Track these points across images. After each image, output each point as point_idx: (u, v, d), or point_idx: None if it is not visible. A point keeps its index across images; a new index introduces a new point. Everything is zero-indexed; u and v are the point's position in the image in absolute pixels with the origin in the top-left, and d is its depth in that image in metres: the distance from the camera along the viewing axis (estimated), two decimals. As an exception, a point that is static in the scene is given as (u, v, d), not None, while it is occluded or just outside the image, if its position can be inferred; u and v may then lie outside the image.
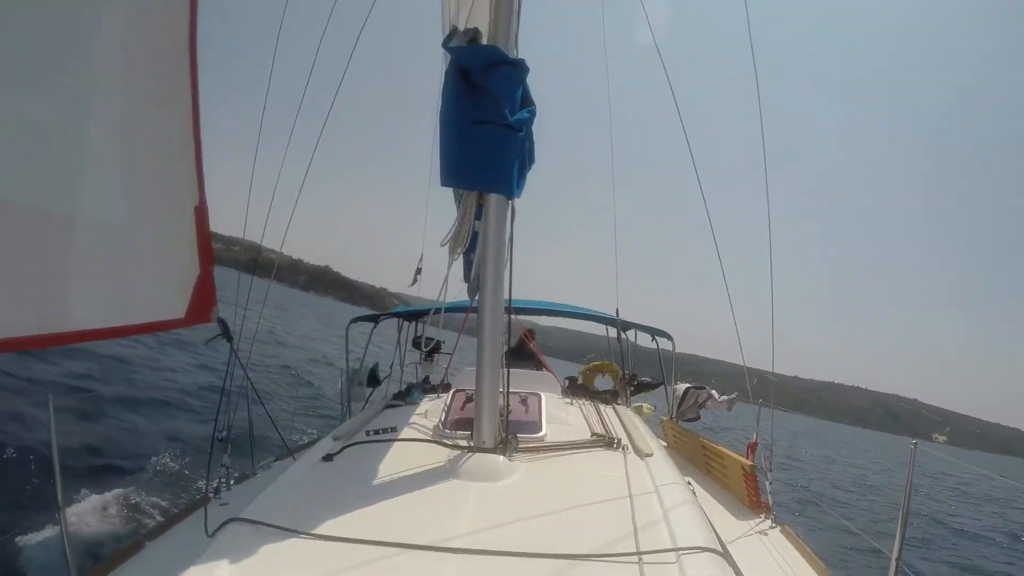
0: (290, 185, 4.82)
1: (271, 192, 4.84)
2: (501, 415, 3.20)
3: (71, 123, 2.12)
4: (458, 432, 3.44)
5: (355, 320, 8.09)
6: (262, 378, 15.08)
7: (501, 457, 2.97)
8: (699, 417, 6.54)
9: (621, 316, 7.69)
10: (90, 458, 7.83)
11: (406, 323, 8.35)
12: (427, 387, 5.33)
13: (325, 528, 2.23)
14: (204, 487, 3.36)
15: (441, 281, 3.66)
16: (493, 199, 3.09)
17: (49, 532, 4.88)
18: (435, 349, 7.10)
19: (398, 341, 8.24)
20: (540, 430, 3.56)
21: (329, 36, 5.00)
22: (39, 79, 1.96)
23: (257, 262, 5.07)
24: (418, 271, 7.32)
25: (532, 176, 3.35)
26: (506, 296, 3.20)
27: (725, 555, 2.21)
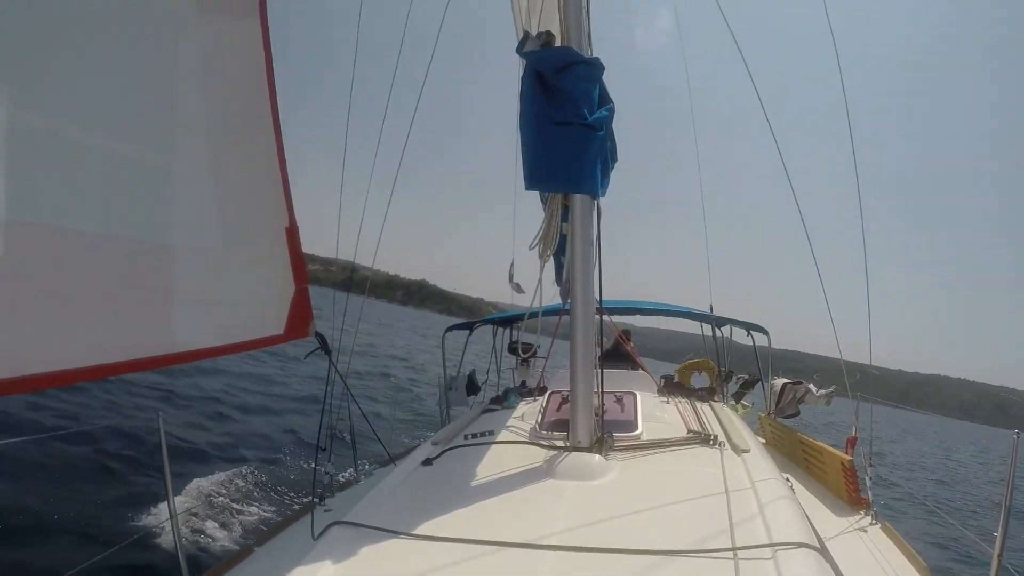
0: (381, 204, 4.95)
1: (364, 213, 4.98)
2: (596, 414, 3.18)
3: (163, 160, 2.25)
4: (554, 433, 3.45)
5: (451, 328, 8.23)
6: (366, 387, 15.66)
7: (597, 456, 2.96)
8: (799, 412, 6.35)
9: (715, 312, 7.56)
10: (212, 456, 8.40)
11: (500, 329, 8.42)
12: (524, 391, 5.34)
13: (425, 529, 2.26)
14: (311, 493, 3.48)
15: (532, 286, 3.67)
16: (578, 199, 3.07)
17: (162, 541, 5.14)
18: (531, 353, 7.12)
19: (493, 347, 8.33)
20: (636, 428, 3.52)
21: (408, 53, 5.10)
22: (131, 121, 2.09)
23: (352, 280, 5.21)
24: (511, 278, 7.36)
25: (617, 175, 3.32)
26: (596, 296, 3.18)
27: (823, 551, 2.12)
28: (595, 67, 2.91)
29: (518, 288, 7.12)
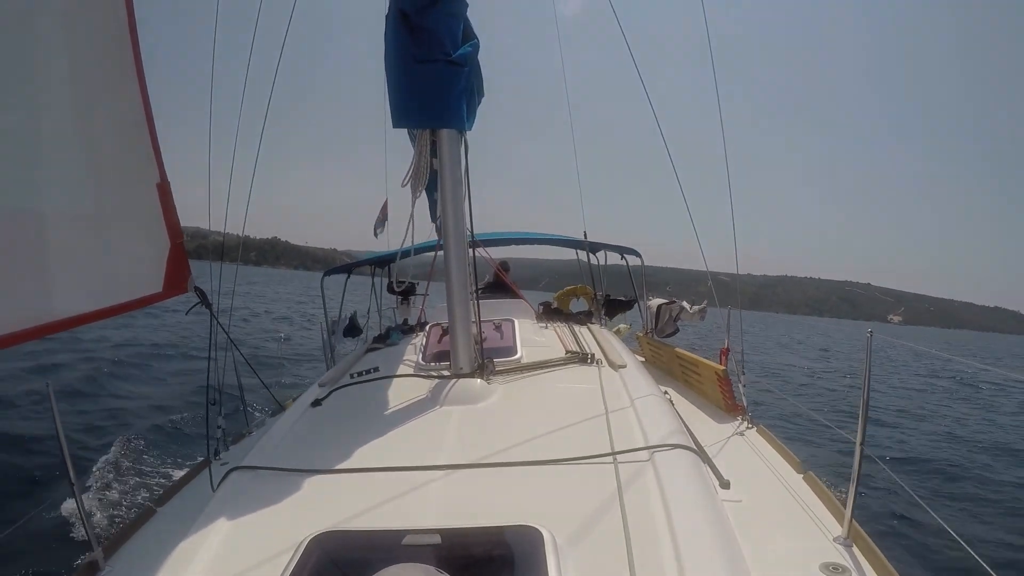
0: (237, 168, 4.75)
1: (211, 176, 4.74)
2: (476, 342, 3.36)
3: (25, 121, 2.12)
4: (437, 364, 3.59)
5: (328, 272, 8.12)
6: (249, 345, 15.26)
7: (479, 380, 3.16)
8: (678, 330, 6.60)
9: (588, 238, 7.79)
10: (95, 431, 7.95)
11: (379, 271, 8.38)
12: (405, 328, 5.44)
13: (320, 464, 2.36)
14: (206, 448, 3.45)
15: (406, 226, 3.71)
16: (445, 135, 3.17)
17: (66, 509, 4.91)
18: (409, 291, 7.18)
19: (372, 289, 8.30)
20: (516, 353, 3.73)
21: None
22: None
23: (222, 249, 5.03)
24: (383, 219, 7.26)
25: (485, 109, 3.43)
26: (468, 227, 3.32)
27: (699, 452, 2.37)
28: (459, 3, 2.98)
29: (381, 228, 7.05)
